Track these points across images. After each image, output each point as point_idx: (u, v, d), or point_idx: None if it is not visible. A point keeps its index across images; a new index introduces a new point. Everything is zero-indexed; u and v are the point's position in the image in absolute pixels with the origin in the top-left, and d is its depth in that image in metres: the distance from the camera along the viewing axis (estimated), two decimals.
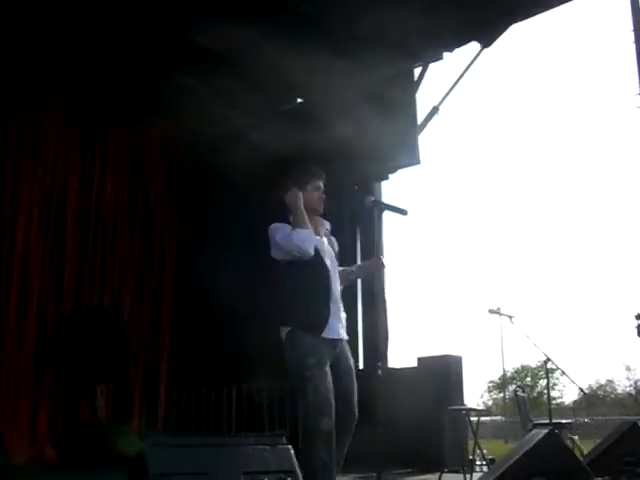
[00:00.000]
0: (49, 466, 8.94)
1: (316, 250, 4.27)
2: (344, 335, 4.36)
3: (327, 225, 4.59)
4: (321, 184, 4.53)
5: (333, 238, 4.62)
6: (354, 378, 4.32)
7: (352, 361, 4.40)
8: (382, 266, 4.64)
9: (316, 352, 4.12)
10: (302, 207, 4.32)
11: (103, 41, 9.11)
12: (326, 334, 4.19)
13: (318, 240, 4.37)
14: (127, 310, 10.80)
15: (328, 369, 4.13)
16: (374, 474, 4.01)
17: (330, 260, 4.39)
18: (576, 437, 7.94)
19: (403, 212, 4.54)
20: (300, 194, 4.36)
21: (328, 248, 4.47)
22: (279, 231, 4.31)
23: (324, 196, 4.53)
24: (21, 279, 9.66)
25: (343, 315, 4.42)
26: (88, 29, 8.89)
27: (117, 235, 10.98)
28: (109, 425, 9.53)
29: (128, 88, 10.23)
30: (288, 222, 4.38)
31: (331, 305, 4.26)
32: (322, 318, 4.21)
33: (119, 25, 8.84)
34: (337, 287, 4.38)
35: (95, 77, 9.83)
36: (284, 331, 4.23)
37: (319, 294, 4.25)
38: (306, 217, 4.31)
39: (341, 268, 4.54)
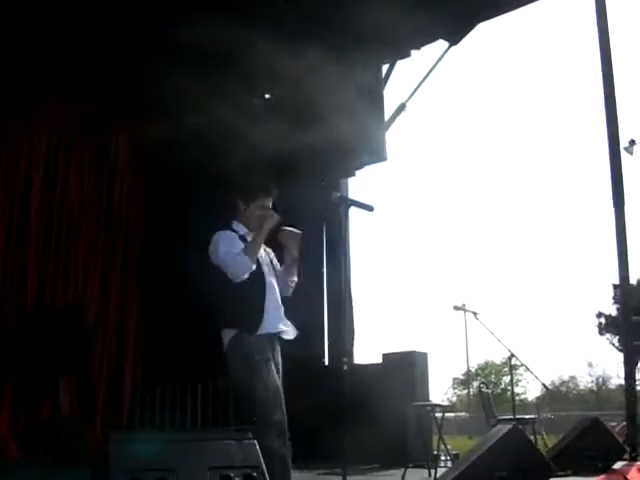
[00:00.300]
0: (11, 463, 8.85)
1: (257, 260, 4.37)
2: (287, 335, 4.47)
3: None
4: (268, 203, 4.54)
5: (269, 249, 4.66)
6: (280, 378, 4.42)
7: (280, 362, 4.50)
8: (292, 235, 4.57)
9: (261, 349, 4.25)
10: (265, 234, 4.36)
11: (73, 39, 9.06)
12: (264, 330, 4.29)
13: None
14: (91, 306, 10.70)
15: (272, 364, 4.28)
16: (339, 470, 4.01)
17: (266, 265, 4.50)
18: (543, 433, 8.04)
19: (369, 208, 4.55)
20: (274, 218, 4.39)
21: (265, 256, 4.56)
22: (224, 245, 4.36)
23: (269, 214, 4.49)
24: None
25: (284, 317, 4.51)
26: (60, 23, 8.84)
27: (81, 231, 10.85)
28: (72, 422, 9.43)
29: (97, 84, 10.16)
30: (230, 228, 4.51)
31: (267, 304, 4.36)
32: (257, 317, 4.29)
33: (87, 20, 8.78)
34: (274, 289, 4.47)
35: (65, 74, 9.76)
36: (226, 333, 4.33)
37: (253, 296, 4.33)
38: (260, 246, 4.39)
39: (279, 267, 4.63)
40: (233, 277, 4.27)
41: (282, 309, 4.48)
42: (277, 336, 4.41)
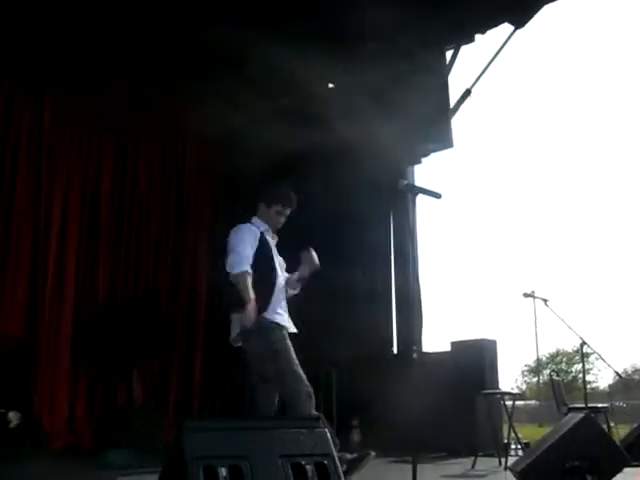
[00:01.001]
0: (86, 451, 9.07)
1: (271, 251, 4.91)
2: (291, 329, 4.82)
3: (276, 239, 5.09)
4: (286, 212, 5.04)
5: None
6: None
7: None
8: (312, 260, 4.96)
9: (274, 330, 4.66)
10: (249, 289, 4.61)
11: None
12: (277, 320, 4.70)
13: (273, 244, 5.00)
14: (163, 295, 10.89)
15: (290, 343, 4.65)
16: (409, 457, 4.01)
17: (280, 265, 4.98)
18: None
19: (437, 195, 4.53)
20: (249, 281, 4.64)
21: (279, 255, 5.03)
22: (245, 235, 4.88)
23: (282, 221, 5.05)
24: (57, 265, 9.77)
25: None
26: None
27: (151, 220, 11.05)
28: (145, 410, 9.62)
29: (158, 71, 10.33)
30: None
31: (279, 297, 4.79)
32: (268, 306, 4.68)
33: None
34: (282, 286, 4.87)
35: (129, 58, 9.95)
36: (235, 317, 4.74)
37: (268, 286, 4.73)
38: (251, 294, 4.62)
39: (287, 275, 5.01)
40: (227, 266, 4.70)
41: (286, 308, 4.86)
42: (286, 329, 4.78)
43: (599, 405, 8.00)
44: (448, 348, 9.62)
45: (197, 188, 11.85)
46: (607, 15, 77.52)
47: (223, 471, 2.48)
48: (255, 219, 5.02)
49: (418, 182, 10.04)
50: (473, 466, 6.99)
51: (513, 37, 9.79)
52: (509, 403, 7.65)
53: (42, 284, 9.54)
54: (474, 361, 9.07)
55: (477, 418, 8.49)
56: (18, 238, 9.40)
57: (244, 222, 4.99)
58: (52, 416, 9.19)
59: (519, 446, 8.22)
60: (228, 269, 4.67)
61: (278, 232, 5.10)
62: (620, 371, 41.32)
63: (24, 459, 7.55)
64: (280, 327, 4.66)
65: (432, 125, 9.97)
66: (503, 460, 6.96)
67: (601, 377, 50.07)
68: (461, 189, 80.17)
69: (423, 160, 10.80)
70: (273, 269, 4.80)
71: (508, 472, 5.35)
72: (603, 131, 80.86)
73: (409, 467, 4.01)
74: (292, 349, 4.59)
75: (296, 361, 4.55)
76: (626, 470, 4.92)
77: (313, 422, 2.90)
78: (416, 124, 9.59)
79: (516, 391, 9.12)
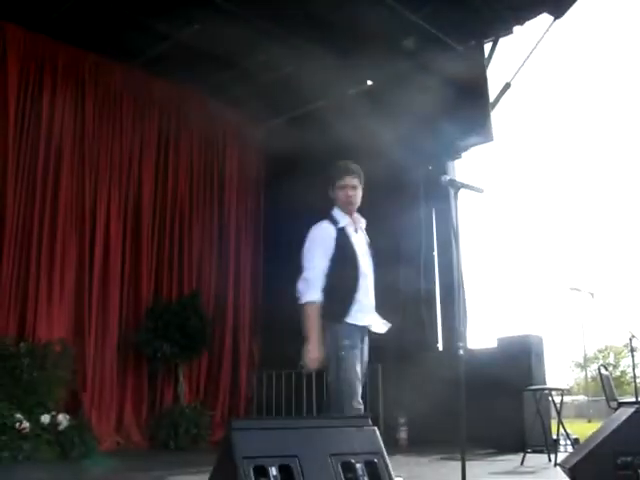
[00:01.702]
0: (135, 450, 9.17)
1: (352, 248, 4.42)
2: (376, 328, 4.47)
3: (363, 222, 4.65)
4: (346, 182, 4.55)
5: (362, 219, 4.69)
6: (365, 366, 4.44)
7: (367, 351, 4.50)
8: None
9: (350, 335, 4.26)
10: (314, 325, 4.33)
11: None
12: (353, 320, 4.30)
13: (356, 237, 4.50)
14: (208, 296, 10.96)
15: (359, 353, 4.28)
16: (457, 455, 3.99)
17: (363, 256, 4.49)
18: None
19: (479, 190, 4.48)
20: (314, 315, 4.34)
21: (364, 246, 4.57)
22: (311, 247, 4.50)
23: (352, 193, 4.52)
24: (103, 268, 9.90)
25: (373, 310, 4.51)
26: None
27: (193, 222, 11.15)
28: (192, 409, 9.70)
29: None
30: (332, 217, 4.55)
31: (358, 296, 4.36)
32: (346, 309, 4.31)
33: None
34: (367, 282, 4.46)
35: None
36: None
37: (345, 289, 4.35)
38: (314, 332, 4.33)
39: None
40: (296, 291, 4.37)
41: (373, 301, 4.50)
42: (367, 328, 4.43)
43: None
44: (495, 344, 9.56)
45: (239, 191, 11.93)
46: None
47: (273, 470, 2.48)
48: (335, 211, 4.58)
49: (459, 177, 9.96)
50: (522, 462, 6.91)
51: (552, 27, 9.69)
52: (557, 399, 7.55)
53: (88, 287, 9.68)
54: (521, 357, 8.98)
55: (525, 414, 8.40)
56: (64, 242, 9.55)
57: (324, 218, 4.57)
58: (100, 418, 9.31)
59: (568, 442, 8.12)
60: (297, 294, 4.38)
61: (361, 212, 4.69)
62: None
63: (74, 461, 7.65)
64: (358, 330, 4.34)
65: (472, 119, 9.89)
66: (552, 456, 6.87)
67: None
68: (503, 182, 79.46)
69: (463, 154, 10.72)
70: (355, 268, 4.41)
71: (558, 468, 5.28)
72: None
73: (458, 464, 3.98)
74: (357, 360, 4.28)
75: (354, 376, 4.25)
76: None
77: (362, 420, 2.89)
78: (456, 119, 9.53)
79: (565, 387, 9.04)
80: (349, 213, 4.55)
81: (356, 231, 4.54)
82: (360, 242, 4.53)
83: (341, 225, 4.49)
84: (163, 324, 9.76)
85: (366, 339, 4.47)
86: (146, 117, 10.78)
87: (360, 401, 4.20)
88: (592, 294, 8.47)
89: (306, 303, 4.30)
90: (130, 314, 10.11)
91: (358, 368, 4.25)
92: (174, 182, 11.01)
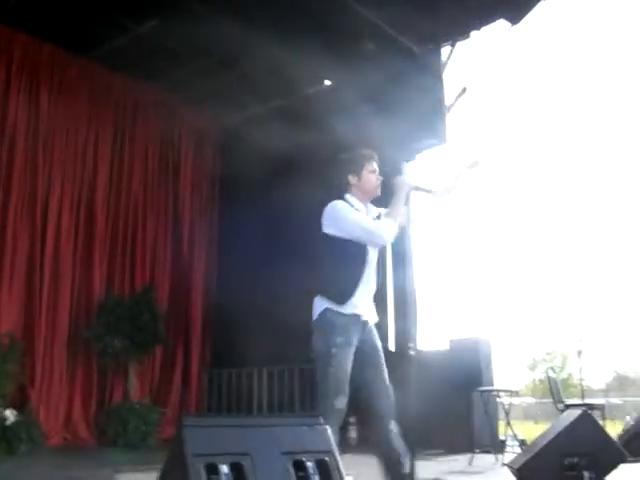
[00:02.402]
0: (83, 447, 9.07)
1: None
2: (371, 318, 4.35)
3: (374, 212, 4.49)
4: (375, 166, 4.45)
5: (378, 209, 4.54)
6: (381, 354, 4.32)
7: (379, 342, 4.37)
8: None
9: (345, 331, 4.15)
10: (403, 199, 4.29)
11: None
12: (351, 310, 4.19)
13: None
14: (159, 292, 10.89)
15: (352, 350, 4.17)
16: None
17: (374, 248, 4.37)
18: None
19: (430, 191, 4.51)
20: (407, 185, 4.30)
21: None
22: (350, 213, 4.29)
23: (381, 178, 4.43)
24: (54, 262, 9.77)
25: (371, 305, 4.38)
26: None
27: (147, 218, 11.08)
28: (142, 406, 9.62)
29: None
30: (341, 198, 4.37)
31: (360, 286, 4.23)
32: (347, 292, 4.20)
33: None
34: (371, 273, 4.33)
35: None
36: (315, 304, 4.28)
37: (351, 272, 4.24)
38: (401, 211, 4.28)
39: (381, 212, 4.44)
40: (378, 241, 4.25)
41: (372, 292, 4.37)
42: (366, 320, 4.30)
43: (596, 402, 8.03)
44: (446, 346, 9.66)
45: (193, 187, 11.88)
46: (602, 10, 77.61)
47: (225, 468, 2.47)
48: (348, 198, 4.37)
49: (411, 178, 10.02)
50: (470, 463, 7.01)
51: (509, 34, 9.81)
52: (506, 400, 7.67)
53: (39, 282, 9.56)
54: (471, 359, 9.09)
55: (474, 415, 8.51)
56: (15, 236, 9.41)
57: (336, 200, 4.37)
58: (48, 413, 9.19)
59: (515, 443, 8.24)
60: (381, 244, 4.28)
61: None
62: (616, 368, 41.53)
63: (21, 456, 7.55)
64: (354, 323, 4.21)
65: (427, 121, 9.97)
66: (500, 457, 6.98)
67: (594, 375, 50.22)
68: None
69: (417, 156, 10.80)
70: (363, 254, 4.26)
71: (505, 468, 5.36)
72: (600, 127, 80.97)
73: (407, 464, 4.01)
74: (349, 358, 4.16)
75: (342, 375, 4.14)
76: (623, 466, 4.94)
77: (314, 419, 2.89)
78: (411, 121, 9.59)
79: (512, 388, 9.18)
80: (366, 201, 4.43)
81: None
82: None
83: (355, 208, 4.35)
84: (115, 319, 9.66)
85: (370, 329, 4.33)
86: (102, 110, 10.66)
87: (343, 400, 4.08)
88: (542, 298, 8.67)
89: (391, 223, 4.23)
90: (81, 308, 9.99)
91: (349, 367, 4.14)
92: (129, 176, 10.92)
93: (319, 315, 4.25)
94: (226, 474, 2.46)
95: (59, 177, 9.98)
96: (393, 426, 4.20)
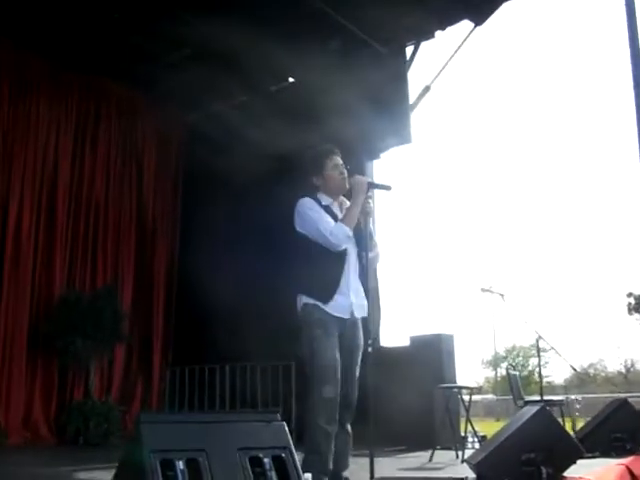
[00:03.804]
0: (43, 446, 8.98)
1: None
2: (358, 313, 4.36)
3: (347, 204, 4.46)
4: (338, 160, 4.42)
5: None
6: (358, 355, 4.35)
7: (361, 340, 4.40)
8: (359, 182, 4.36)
9: (324, 324, 4.16)
10: (361, 201, 4.25)
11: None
12: (333, 311, 4.21)
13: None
14: (121, 290, 10.82)
15: (336, 340, 4.17)
16: (366, 451, 4.04)
17: (351, 241, 4.34)
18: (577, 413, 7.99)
19: (387, 188, 4.50)
20: (366, 183, 4.28)
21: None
22: (312, 212, 4.28)
23: (345, 171, 4.40)
24: (14, 260, 9.66)
25: (361, 295, 4.40)
26: None
27: (109, 214, 10.99)
28: (103, 405, 9.55)
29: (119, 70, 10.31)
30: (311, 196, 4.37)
31: (342, 284, 4.26)
32: (330, 290, 4.22)
33: None
34: (352, 269, 4.35)
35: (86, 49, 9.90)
36: (299, 300, 4.29)
37: (331, 269, 4.25)
38: (356, 214, 4.25)
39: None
40: (331, 246, 4.19)
41: (360, 289, 4.37)
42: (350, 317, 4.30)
43: (554, 398, 8.11)
44: (407, 343, 9.70)
45: (157, 184, 11.81)
46: (566, 12, 78.49)
47: (180, 464, 2.48)
48: (319, 195, 4.37)
49: (377, 177, 10.05)
50: (430, 459, 7.04)
51: (473, 34, 9.89)
52: (467, 397, 7.72)
53: None
54: (432, 355, 9.16)
55: (435, 412, 8.55)
56: None
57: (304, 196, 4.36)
58: (8, 412, 9.09)
59: (476, 439, 8.30)
60: (336, 249, 4.20)
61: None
62: (576, 366, 42.00)
63: None
64: (334, 318, 4.20)
65: (391, 120, 10.01)
66: (460, 453, 7.02)
67: (557, 371, 50.79)
68: (420, 183, 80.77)
69: (381, 155, 10.83)
70: (343, 252, 4.26)
71: (465, 465, 5.39)
72: (565, 125, 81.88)
73: (366, 461, 4.03)
74: (334, 348, 4.14)
75: (328, 364, 4.10)
76: (580, 462, 4.99)
77: (271, 415, 2.90)
78: (375, 120, 9.62)
79: (474, 385, 9.26)
80: (336, 197, 4.41)
81: (342, 211, 4.38)
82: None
83: (324, 204, 4.35)
84: (76, 317, 9.56)
85: (356, 324, 4.34)
86: (64, 107, 10.55)
87: (331, 390, 4.06)
88: (502, 295, 8.69)
89: (342, 240, 4.19)
90: (42, 306, 9.89)
91: (335, 356, 4.12)
92: (91, 172, 10.81)
93: (300, 314, 4.27)
94: (182, 470, 2.46)
95: (19, 173, 9.85)
96: (342, 429, 4.24)
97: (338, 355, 4.17)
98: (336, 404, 4.10)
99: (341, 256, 4.28)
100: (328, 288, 4.22)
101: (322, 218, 4.25)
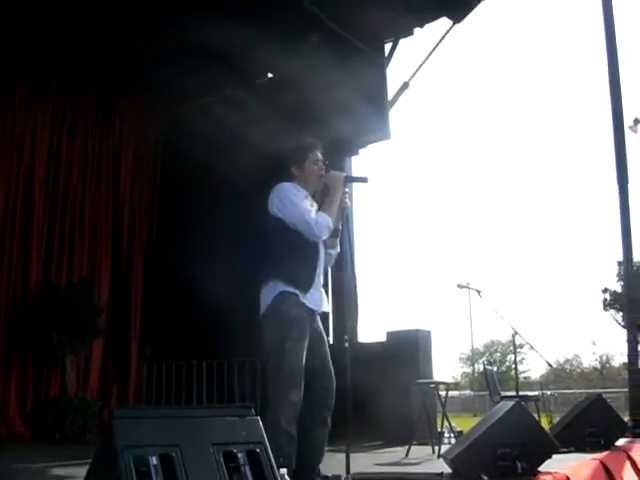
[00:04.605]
0: (19, 442, 8.92)
1: None
2: (324, 307, 4.37)
3: (316, 206, 4.45)
4: (319, 155, 4.43)
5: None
6: (327, 345, 4.36)
7: (323, 331, 4.40)
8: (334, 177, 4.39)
9: (299, 323, 4.10)
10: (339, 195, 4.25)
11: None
12: (309, 302, 4.18)
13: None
14: (97, 285, 10.76)
15: (306, 343, 4.13)
16: (343, 447, 4.04)
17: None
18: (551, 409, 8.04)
19: (364, 180, 4.53)
20: (342, 178, 4.29)
21: None
22: (295, 197, 4.25)
23: (323, 167, 4.41)
24: None
25: (322, 289, 4.40)
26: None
27: (86, 209, 10.91)
28: (79, 400, 9.50)
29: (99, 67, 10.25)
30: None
31: (315, 275, 4.25)
32: (309, 279, 4.20)
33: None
34: (323, 262, 4.36)
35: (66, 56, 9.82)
36: (268, 291, 4.19)
37: (308, 258, 4.23)
38: (336, 209, 4.25)
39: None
40: (312, 236, 4.17)
41: (321, 283, 4.36)
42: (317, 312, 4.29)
43: (530, 394, 8.19)
44: (384, 338, 9.73)
45: (134, 177, 11.75)
46: (544, 9, 78.92)
47: (154, 460, 2.46)
48: (295, 185, 4.36)
49: (356, 173, 10.07)
50: (407, 454, 7.07)
51: (451, 31, 9.93)
52: (443, 393, 7.76)
53: None
54: (409, 351, 9.20)
55: (412, 407, 8.58)
56: None
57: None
58: None
59: (452, 435, 8.34)
60: (315, 240, 4.18)
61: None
62: (552, 361, 42.24)
63: None
64: (308, 315, 4.18)
65: (370, 117, 10.03)
66: (437, 448, 7.05)
67: (533, 368, 51.18)
68: (398, 179, 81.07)
69: (360, 151, 10.85)
70: (316, 243, 4.25)
71: (441, 460, 5.42)
72: (536, 122, 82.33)
73: (342, 456, 4.04)
74: (303, 351, 4.09)
75: (297, 368, 4.06)
76: (555, 456, 5.03)
77: (245, 410, 2.89)
78: (354, 115, 9.64)
79: (452, 381, 9.31)
80: (310, 190, 4.39)
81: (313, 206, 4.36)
82: None
83: (303, 195, 4.32)
84: (51, 312, 9.50)
85: (317, 319, 4.33)
86: (40, 102, 10.44)
87: (298, 394, 4.02)
88: (479, 291, 8.72)
89: (322, 219, 4.17)
90: (17, 301, 9.79)
91: (303, 360, 4.08)
92: (67, 166, 10.72)
93: (273, 304, 4.15)
94: (155, 465, 2.45)
95: None
96: (323, 422, 4.23)
97: (305, 352, 4.13)
98: (299, 407, 4.07)
99: (317, 246, 4.28)
100: (308, 278, 4.19)
101: (305, 205, 4.22)
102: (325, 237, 4.23)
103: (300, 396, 4.05)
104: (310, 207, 4.23)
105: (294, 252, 4.18)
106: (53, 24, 9.26)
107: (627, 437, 6.88)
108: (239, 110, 10.09)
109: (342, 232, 4.41)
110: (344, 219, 4.39)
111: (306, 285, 4.17)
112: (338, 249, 4.53)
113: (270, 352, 4.15)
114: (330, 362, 4.31)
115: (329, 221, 4.19)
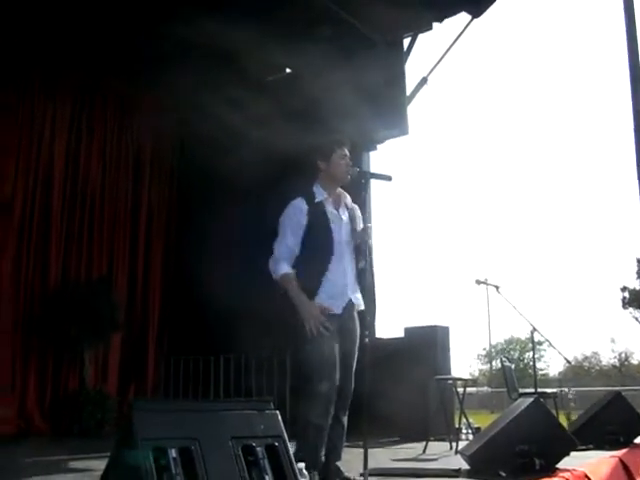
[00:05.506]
0: (38, 436, 8.97)
1: (325, 226, 4.34)
2: (352, 306, 4.42)
3: (348, 198, 4.58)
4: (346, 151, 4.50)
5: (358, 212, 4.61)
6: (355, 346, 4.38)
7: (358, 330, 4.43)
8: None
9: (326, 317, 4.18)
10: (296, 291, 4.27)
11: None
12: (321, 301, 4.24)
13: (334, 214, 4.41)
14: (116, 280, 10.81)
15: (334, 339, 4.20)
16: (360, 443, 4.04)
17: (340, 234, 4.40)
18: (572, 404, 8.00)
19: (387, 178, 4.53)
20: (293, 283, 4.30)
21: (345, 222, 4.46)
22: (285, 224, 4.40)
23: (350, 163, 4.48)
24: (8, 250, 9.61)
25: (354, 288, 4.45)
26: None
27: (105, 206, 10.94)
28: (98, 394, 9.55)
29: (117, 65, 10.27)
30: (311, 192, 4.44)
31: (329, 278, 4.29)
32: (314, 285, 4.26)
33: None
34: (344, 262, 4.39)
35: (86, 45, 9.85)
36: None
37: (315, 268, 4.29)
38: (300, 296, 4.26)
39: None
40: (269, 263, 4.37)
41: (351, 283, 4.41)
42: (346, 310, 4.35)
43: (548, 390, 8.12)
44: (402, 334, 9.71)
45: (152, 176, 11.78)
46: (564, 4, 78.43)
47: (173, 452, 2.47)
48: (315, 187, 4.44)
49: (373, 168, 10.04)
50: (424, 450, 7.06)
51: (470, 26, 9.88)
52: (461, 389, 7.74)
53: None
54: (427, 347, 9.17)
55: (430, 403, 8.56)
56: None
57: (303, 194, 4.42)
58: (2, 401, 9.07)
59: (470, 431, 8.32)
60: (272, 274, 4.36)
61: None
62: (570, 359, 42.10)
63: None
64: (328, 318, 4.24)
65: (388, 112, 10.00)
66: (454, 444, 7.04)
67: (551, 365, 50.96)
68: (417, 175, 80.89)
69: (378, 147, 10.82)
70: (327, 246, 4.31)
71: (459, 456, 5.41)
72: (561, 117, 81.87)
73: (360, 451, 4.04)
74: (329, 343, 4.17)
75: (322, 359, 4.13)
76: (573, 454, 5.01)
77: (264, 404, 2.90)
78: (372, 111, 9.60)
79: (469, 377, 9.27)
80: (334, 187, 4.48)
81: (337, 208, 4.45)
82: (339, 219, 4.43)
83: (318, 200, 4.39)
84: (71, 307, 9.55)
85: (352, 316, 4.40)
86: (59, 99, 10.48)
87: (327, 385, 4.08)
88: (498, 287, 8.68)
89: (280, 277, 4.27)
90: (36, 296, 9.84)
91: (335, 351, 4.16)
92: (86, 163, 10.75)
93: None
94: (174, 458, 2.46)
95: (13, 167, 9.81)
96: (338, 422, 4.25)
97: (335, 349, 4.19)
98: (331, 398, 4.11)
99: (327, 253, 4.35)
100: (312, 285, 4.29)
101: (285, 237, 4.34)
102: (274, 275, 4.34)
103: (331, 387, 4.10)
104: (290, 241, 4.32)
105: (300, 260, 4.33)
106: (72, 20, 9.26)
107: None
108: (254, 111, 10.04)
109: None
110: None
111: (309, 293, 4.26)
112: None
113: (298, 345, 4.25)
114: (354, 362, 4.33)
115: (279, 272, 4.29)
